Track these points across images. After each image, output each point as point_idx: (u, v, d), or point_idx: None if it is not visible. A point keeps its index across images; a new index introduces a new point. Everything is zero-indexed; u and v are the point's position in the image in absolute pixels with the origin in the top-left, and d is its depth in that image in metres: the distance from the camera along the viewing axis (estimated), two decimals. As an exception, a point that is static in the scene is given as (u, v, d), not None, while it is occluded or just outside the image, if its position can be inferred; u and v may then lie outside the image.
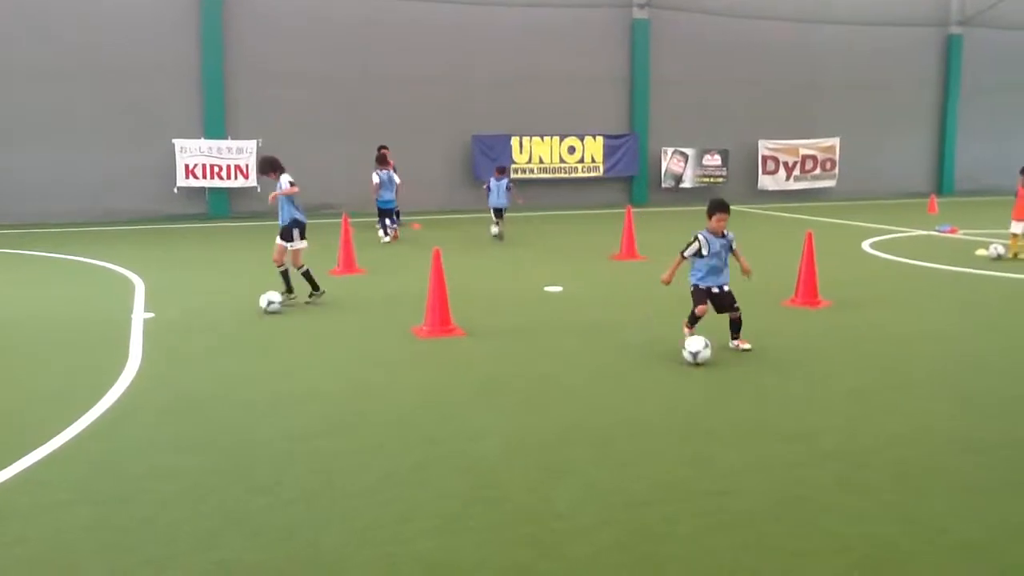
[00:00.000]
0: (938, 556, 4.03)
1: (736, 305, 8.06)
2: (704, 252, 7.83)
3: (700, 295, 8.01)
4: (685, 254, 7.95)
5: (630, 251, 14.59)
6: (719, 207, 7.92)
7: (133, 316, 9.82)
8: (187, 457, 5.36)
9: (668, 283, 8.06)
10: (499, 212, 17.68)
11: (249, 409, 6.37)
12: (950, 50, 31.15)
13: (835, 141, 29.26)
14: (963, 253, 14.83)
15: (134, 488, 4.87)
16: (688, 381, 7.13)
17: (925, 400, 6.53)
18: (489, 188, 17.76)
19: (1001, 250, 13.97)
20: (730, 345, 8.07)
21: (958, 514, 4.47)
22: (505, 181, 17.61)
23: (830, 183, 29.39)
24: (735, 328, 8.12)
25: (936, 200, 24.47)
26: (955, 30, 31.05)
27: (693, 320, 8.08)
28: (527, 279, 12.43)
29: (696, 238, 7.90)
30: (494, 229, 17.57)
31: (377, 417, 6.17)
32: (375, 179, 17.30)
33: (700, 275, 8.01)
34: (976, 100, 31.41)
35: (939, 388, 6.88)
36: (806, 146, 29.05)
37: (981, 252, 14.58)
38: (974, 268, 13.17)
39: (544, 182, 26.18)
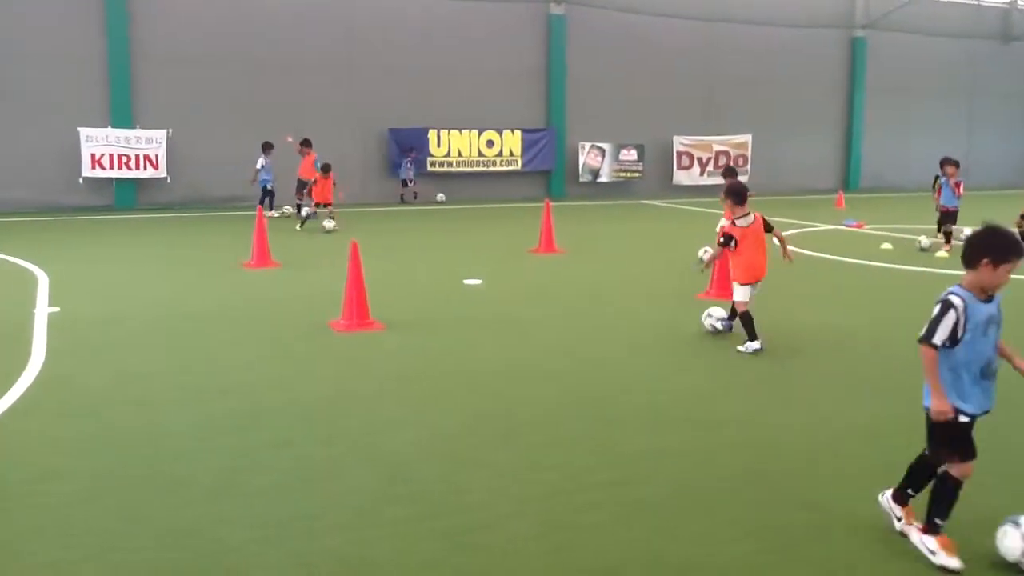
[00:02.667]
0: (834, 540, 4.16)
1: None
2: (960, 332, 3.87)
3: (964, 436, 3.96)
4: (935, 340, 3.89)
5: (549, 245, 14.66)
6: (1008, 249, 3.85)
7: (36, 311, 9.46)
8: (90, 456, 5.19)
9: (945, 416, 3.90)
10: (405, 183, 24.84)
11: (157, 405, 6.20)
12: (855, 52, 32.19)
13: (747, 138, 29.94)
14: (869, 247, 15.34)
15: (34, 489, 4.69)
16: (596, 373, 7.21)
17: (830, 390, 6.72)
18: (400, 164, 24.86)
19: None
20: (897, 525, 4.22)
21: (855, 499, 4.61)
22: (408, 160, 24.75)
23: (742, 179, 30.02)
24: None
25: (843, 196, 25.25)
26: (859, 32, 32.09)
27: (944, 506, 4.01)
28: (446, 272, 12.39)
29: (949, 304, 3.91)
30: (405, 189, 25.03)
31: (289, 412, 6.07)
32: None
33: (963, 388, 3.94)
34: (879, 100, 32.53)
35: (845, 377, 7.09)
36: (719, 142, 29.65)
37: (886, 246, 15.12)
38: (879, 261, 13.63)
39: (462, 175, 26.15)
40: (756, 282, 8.03)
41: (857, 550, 4.06)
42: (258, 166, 20.56)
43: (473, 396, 6.50)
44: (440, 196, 25.65)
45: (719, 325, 8.48)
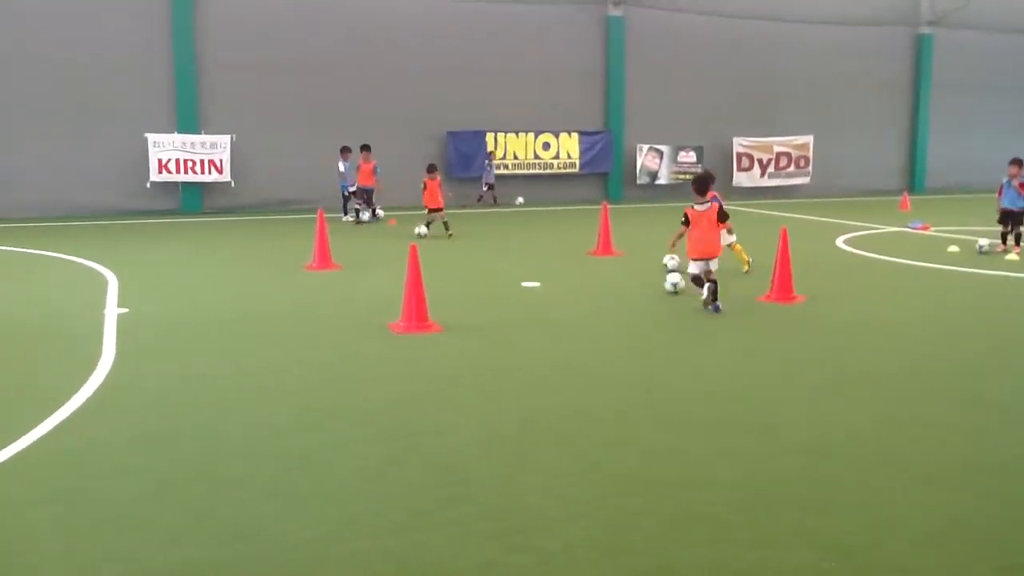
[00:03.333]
0: (894, 546, 4.09)
1: None
2: None
3: None
4: None
5: (607, 247, 14.62)
6: None
7: (106, 312, 9.73)
8: (156, 453, 5.32)
9: None
10: (491, 186, 24.96)
11: (221, 405, 6.34)
12: (920, 49, 31.47)
13: (808, 139, 29.47)
14: (935, 249, 15.00)
15: (101, 485, 4.83)
16: (657, 375, 7.18)
17: (892, 393, 6.60)
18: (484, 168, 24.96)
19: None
20: None
21: (915, 505, 4.54)
22: (488, 162, 25.07)
23: (804, 180, 29.60)
24: None
25: (908, 198, 24.72)
26: (925, 30, 31.36)
27: None
28: (504, 275, 12.44)
29: None
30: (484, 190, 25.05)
31: (349, 412, 6.16)
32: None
33: None
34: (946, 99, 31.73)
35: (907, 382, 6.96)
36: (780, 143, 29.24)
37: (953, 249, 14.76)
38: (946, 264, 13.32)
39: (519, 178, 26.20)
40: (706, 259, 9.61)
41: (919, 557, 3.98)
42: (341, 169, 20.70)
43: (530, 398, 6.52)
44: (519, 200, 25.57)
45: (675, 286, 10.65)
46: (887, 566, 3.91)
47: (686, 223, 9.69)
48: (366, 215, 20.40)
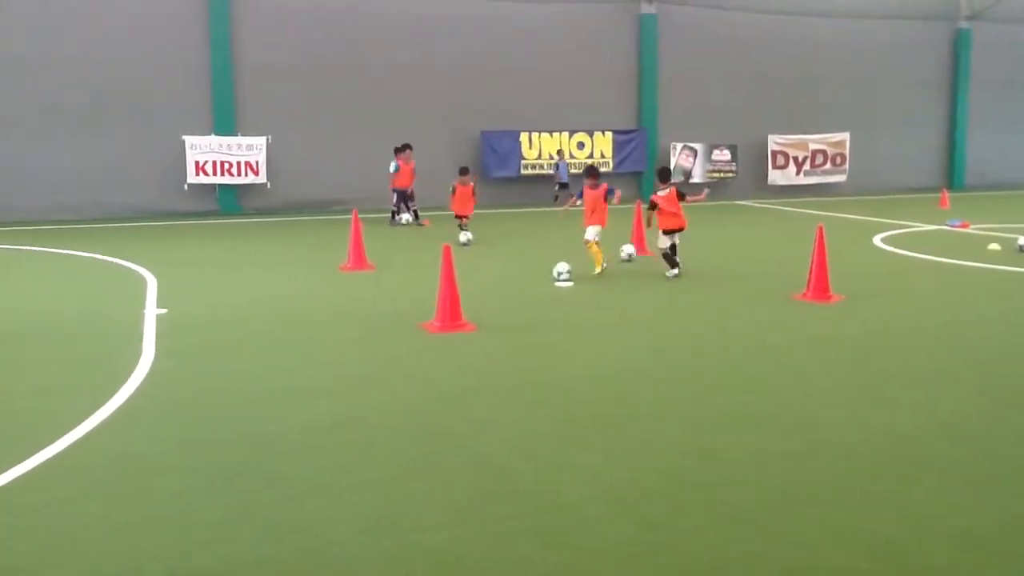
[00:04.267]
0: (934, 547, 4.05)
1: None
2: None
3: None
4: None
5: (640, 247, 14.56)
6: None
7: (145, 312, 9.88)
8: (198, 452, 5.40)
9: None
10: (563, 185, 24.34)
11: (260, 404, 6.41)
12: (959, 44, 31.00)
13: (845, 136, 29.14)
14: (975, 247, 14.79)
15: (145, 484, 4.91)
16: (690, 375, 7.15)
17: (928, 394, 6.54)
18: (559, 168, 24.92)
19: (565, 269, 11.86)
20: None
21: (955, 505, 4.49)
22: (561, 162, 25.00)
23: (840, 178, 29.27)
24: None
25: (947, 195, 24.38)
26: (964, 24, 30.88)
27: None
28: (537, 274, 12.44)
29: None
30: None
31: (387, 411, 6.20)
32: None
33: None
34: (985, 95, 31.22)
35: (943, 382, 6.88)
36: (816, 141, 28.94)
37: (993, 247, 14.54)
38: (986, 263, 13.13)
39: (553, 178, 26.15)
40: (672, 231, 11.81)
41: (959, 557, 3.94)
42: (391, 170, 19.99)
43: (565, 397, 6.53)
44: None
45: (627, 255, 13.57)
46: (926, 566, 3.88)
47: (654, 207, 11.79)
48: (403, 217, 20.19)
